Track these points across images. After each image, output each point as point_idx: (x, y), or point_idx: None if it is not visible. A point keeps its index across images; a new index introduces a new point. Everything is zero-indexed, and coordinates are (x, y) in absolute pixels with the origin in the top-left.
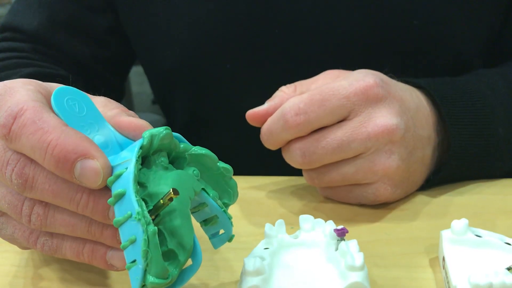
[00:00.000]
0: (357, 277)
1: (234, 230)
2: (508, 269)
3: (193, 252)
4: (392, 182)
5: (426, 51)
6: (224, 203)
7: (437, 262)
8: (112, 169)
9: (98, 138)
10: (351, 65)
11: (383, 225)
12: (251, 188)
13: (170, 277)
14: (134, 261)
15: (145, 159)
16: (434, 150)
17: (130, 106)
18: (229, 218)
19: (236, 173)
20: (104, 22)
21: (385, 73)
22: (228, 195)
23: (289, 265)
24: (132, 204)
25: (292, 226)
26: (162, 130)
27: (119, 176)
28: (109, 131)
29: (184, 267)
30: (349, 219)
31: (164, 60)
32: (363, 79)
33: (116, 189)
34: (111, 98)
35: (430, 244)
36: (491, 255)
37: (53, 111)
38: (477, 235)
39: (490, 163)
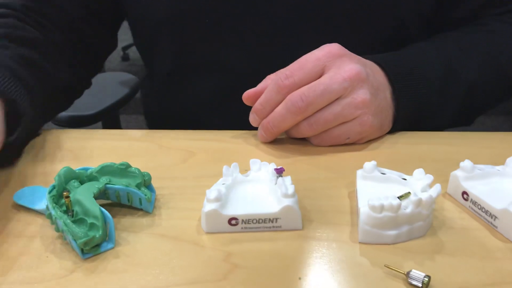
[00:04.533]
0: (289, 202)
1: (202, 174)
2: (399, 197)
3: (105, 218)
4: (371, 111)
5: (373, 20)
6: (138, 184)
7: (353, 194)
8: None
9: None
10: (309, 28)
11: (315, 168)
12: (220, 140)
13: (89, 236)
14: (70, 241)
15: (64, 189)
16: (392, 98)
17: None
18: (138, 190)
19: (212, 127)
20: None
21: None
22: (134, 178)
23: (240, 195)
24: (53, 214)
25: (246, 169)
26: (61, 172)
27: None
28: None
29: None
30: (290, 163)
31: (151, 14)
32: (327, 45)
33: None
34: (103, 51)
35: (349, 181)
36: (390, 187)
37: None
38: (382, 173)
39: (425, 123)
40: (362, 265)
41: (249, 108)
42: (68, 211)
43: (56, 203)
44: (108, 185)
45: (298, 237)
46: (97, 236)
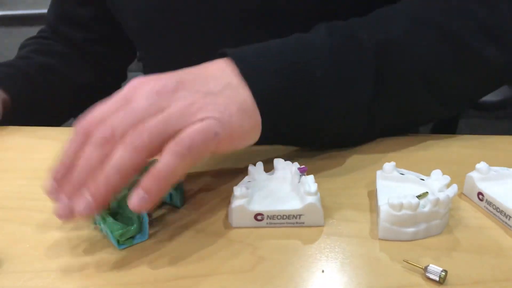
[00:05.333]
0: (312, 199)
1: (227, 171)
2: (418, 196)
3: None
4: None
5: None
6: None
7: (373, 194)
8: None
9: None
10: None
11: (335, 168)
12: None
13: (124, 228)
14: (107, 233)
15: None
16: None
17: None
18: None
19: None
20: (88, 12)
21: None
22: None
23: (265, 192)
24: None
25: (270, 168)
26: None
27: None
28: None
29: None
30: (311, 162)
31: (128, 25)
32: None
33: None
34: (107, 78)
35: (369, 181)
36: (409, 187)
37: None
38: (401, 173)
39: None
40: (382, 260)
41: None
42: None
43: None
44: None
45: (320, 233)
46: (132, 228)
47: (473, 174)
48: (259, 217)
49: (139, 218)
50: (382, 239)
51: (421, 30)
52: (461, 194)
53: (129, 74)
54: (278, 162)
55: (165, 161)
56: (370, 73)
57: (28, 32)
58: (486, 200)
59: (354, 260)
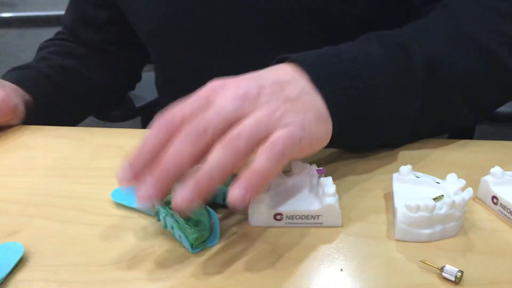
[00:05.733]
0: (330, 200)
1: None
2: (434, 198)
3: (210, 215)
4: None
5: (333, 23)
6: (228, 183)
7: (389, 196)
8: None
9: None
10: (276, 31)
11: (352, 170)
12: None
13: (199, 232)
14: (180, 237)
15: None
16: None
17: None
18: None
19: None
20: (104, 15)
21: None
22: (228, 178)
23: (284, 193)
24: (162, 211)
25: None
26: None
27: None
28: None
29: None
30: (328, 164)
31: (140, 27)
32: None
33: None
34: (122, 79)
35: (385, 184)
36: (425, 190)
37: None
38: (417, 176)
39: (382, 107)
40: (399, 260)
41: None
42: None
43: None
44: None
45: (338, 233)
46: (205, 232)
47: (488, 178)
48: (278, 217)
49: (210, 221)
50: (398, 240)
51: (459, 44)
52: (475, 198)
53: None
54: (296, 164)
55: (263, 163)
56: (419, 85)
57: (39, 34)
58: (501, 204)
59: (372, 260)
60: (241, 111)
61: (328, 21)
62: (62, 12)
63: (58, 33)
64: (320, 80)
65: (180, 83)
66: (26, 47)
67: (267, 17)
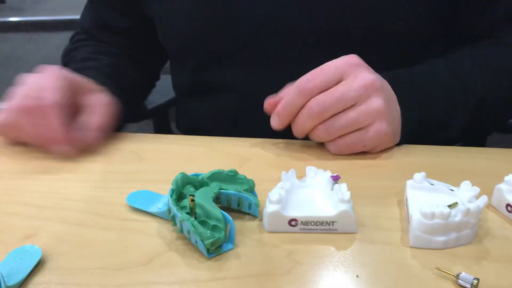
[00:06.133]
0: (345, 207)
1: (260, 178)
2: (448, 206)
3: (226, 220)
4: (385, 118)
5: (376, 38)
6: (245, 190)
7: (402, 202)
8: None
9: (158, 205)
10: (317, 50)
11: (366, 177)
12: (273, 147)
13: (215, 237)
14: (196, 242)
15: (181, 194)
16: (400, 110)
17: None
18: (249, 195)
19: (238, 134)
20: (126, 22)
21: None
22: (242, 184)
23: (299, 199)
24: (178, 216)
25: (301, 176)
26: (178, 177)
27: (170, 210)
28: (164, 197)
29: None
30: (342, 171)
31: (169, 39)
32: (346, 56)
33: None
34: (142, 78)
35: (398, 191)
36: (439, 197)
37: None
38: (431, 184)
39: (432, 136)
40: (414, 267)
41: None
42: (191, 213)
43: (177, 206)
44: (221, 190)
45: (353, 239)
46: (221, 237)
47: (502, 186)
48: (293, 223)
49: (226, 226)
50: (413, 247)
51: (503, 82)
52: (489, 206)
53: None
54: (310, 170)
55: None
56: (465, 122)
57: (47, 38)
58: None
59: (387, 266)
60: (360, 98)
61: (377, 45)
62: (70, 17)
63: (76, 35)
64: (401, 96)
65: (207, 92)
66: (34, 51)
67: (317, 35)
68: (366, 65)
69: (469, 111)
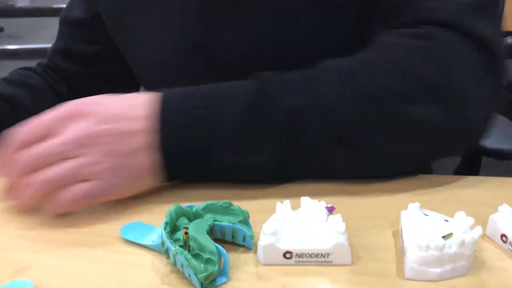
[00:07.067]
0: (340, 239)
1: (253, 208)
2: (443, 237)
3: (220, 253)
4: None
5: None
6: (239, 221)
7: (397, 233)
8: None
9: (152, 238)
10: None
11: (360, 208)
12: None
13: (209, 270)
14: (189, 275)
15: (175, 227)
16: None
17: None
18: (243, 227)
19: None
20: (89, 49)
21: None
22: (236, 216)
23: (293, 230)
24: (172, 249)
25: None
26: (172, 209)
27: (163, 243)
28: (158, 230)
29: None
30: (336, 202)
31: (140, 68)
32: (65, 104)
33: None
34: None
35: (393, 221)
36: (433, 228)
37: None
38: (425, 214)
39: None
40: None
41: None
42: (185, 246)
43: (171, 239)
44: (215, 222)
45: (348, 271)
46: (215, 270)
47: (496, 217)
48: (288, 255)
49: (220, 259)
50: (408, 279)
51: (351, 97)
52: (484, 236)
53: None
54: (305, 200)
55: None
56: (279, 138)
57: None
58: (510, 242)
59: None
60: (66, 155)
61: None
62: None
63: (38, 63)
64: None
65: None
66: None
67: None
68: (87, 112)
69: (277, 125)
